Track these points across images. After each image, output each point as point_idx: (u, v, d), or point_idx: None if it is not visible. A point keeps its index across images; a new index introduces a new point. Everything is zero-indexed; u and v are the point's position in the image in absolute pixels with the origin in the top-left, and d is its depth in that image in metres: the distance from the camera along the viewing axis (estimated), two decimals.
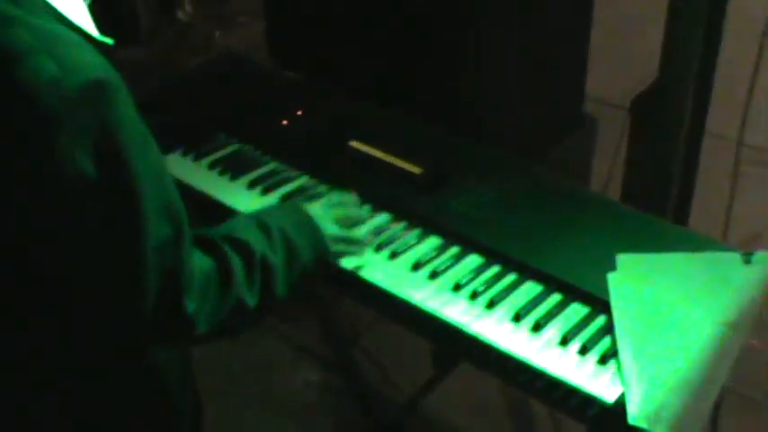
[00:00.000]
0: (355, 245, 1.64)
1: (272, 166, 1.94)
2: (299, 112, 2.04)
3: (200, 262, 1.28)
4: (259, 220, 1.47)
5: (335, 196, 1.73)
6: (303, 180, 1.90)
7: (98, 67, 1.11)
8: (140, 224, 1.15)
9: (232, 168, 1.93)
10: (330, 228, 1.59)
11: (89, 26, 1.21)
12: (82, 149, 1.08)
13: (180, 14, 6.11)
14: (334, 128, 2.00)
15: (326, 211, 1.64)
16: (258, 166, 1.95)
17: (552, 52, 3.32)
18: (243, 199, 1.86)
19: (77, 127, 1.08)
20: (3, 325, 1.22)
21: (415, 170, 1.86)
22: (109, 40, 1.22)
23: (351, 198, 1.75)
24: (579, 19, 3.54)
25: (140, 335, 1.27)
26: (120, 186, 1.13)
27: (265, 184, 1.88)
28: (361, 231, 1.71)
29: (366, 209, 1.79)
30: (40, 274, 1.18)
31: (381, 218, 1.79)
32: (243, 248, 1.36)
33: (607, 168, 3.23)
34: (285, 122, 2.02)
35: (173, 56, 5.36)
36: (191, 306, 1.23)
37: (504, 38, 2.68)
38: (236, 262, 1.33)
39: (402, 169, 1.87)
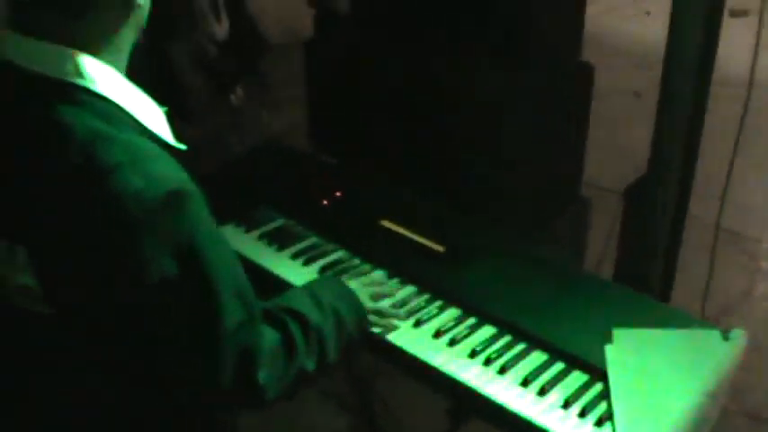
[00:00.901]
0: (386, 317, 1.64)
1: (312, 240, 1.96)
2: (338, 194, 2.05)
3: (268, 335, 1.28)
4: (311, 292, 1.49)
5: (367, 278, 1.75)
6: (340, 254, 1.90)
7: (176, 177, 1.14)
8: (218, 311, 1.17)
9: (278, 241, 1.94)
10: (367, 302, 1.61)
11: (166, 134, 1.24)
12: (164, 252, 1.11)
13: (233, 100, 6.21)
14: (368, 208, 2.01)
15: (362, 287, 1.65)
16: (301, 239, 1.96)
17: (557, 142, 3.35)
18: (287, 268, 1.86)
19: (159, 232, 1.11)
20: (95, 380, 1.22)
21: (438, 248, 1.87)
22: (182, 146, 1.24)
23: (379, 277, 1.78)
24: (578, 115, 3.58)
25: (216, 403, 1.28)
26: (199, 280, 1.15)
27: (306, 256, 1.89)
28: (387, 303, 1.71)
29: (394, 282, 1.78)
30: (128, 347, 1.19)
31: (408, 289, 1.79)
32: (301, 320, 1.38)
33: (602, 246, 3.22)
34: (325, 202, 2.04)
35: (224, 135, 5.42)
36: (262, 377, 1.24)
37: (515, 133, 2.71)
38: (297, 333, 1.35)
39: (426, 247, 1.88)
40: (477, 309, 1.73)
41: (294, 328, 1.36)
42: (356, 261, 1.88)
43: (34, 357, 1.28)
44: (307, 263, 1.88)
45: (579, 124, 3.77)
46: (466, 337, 1.66)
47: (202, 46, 5.99)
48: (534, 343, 1.64)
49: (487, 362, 1.59)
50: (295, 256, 1.90)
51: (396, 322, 1.66)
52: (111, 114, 1.17)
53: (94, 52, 1.18)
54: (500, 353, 1.62)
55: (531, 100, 3.23)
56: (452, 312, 1.74)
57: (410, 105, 2.87)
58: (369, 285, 1.68)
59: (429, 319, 1.71)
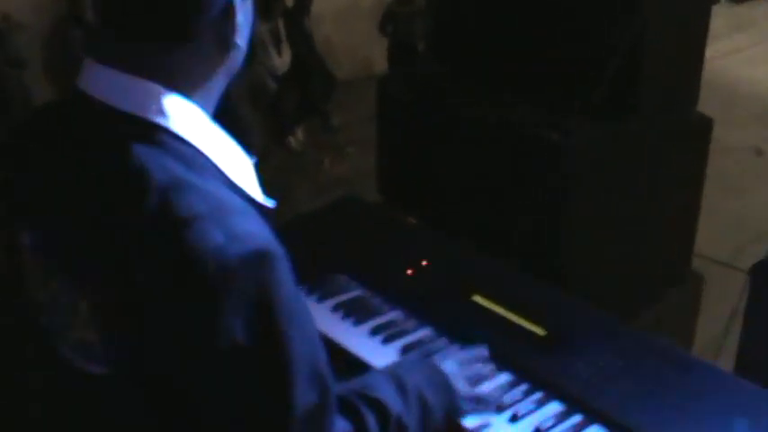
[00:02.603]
0: (484, 405, 1.61)
1: (394, 314, 1.95)
2: (424, 262, 2.05)
3: (339, 427, 1.27)
4: (396, 377, 1.46)
5: (467, 353, 1.71)
6: (425, 332, 1.89)
7: (261, 236, 1.13)
8: (289, 392, 1.15)
9: (355, 313, 1.94)
10: (462, 386, 1.59)
11: (254, 189, 1.24)
12: (238, 317, 1.10)
13: (293, 141, 6.28)
14: (458, 281, 2.00)
15: (459, 368, 1.63)
16: (380, 313, 1.95)
17: (667, 207, 3.31)
18: (364, 346, 1.86)
19: (236, 295, 1.10)
20: None
21: (539, 331, 1.84)
22: (270, 203, 1.25)
23: (482, 353, 1.74)
24: (693, 175, 3.54)
25: None
26: (273, 355, 1.14)
27: (387, 333, 1.88)
28: (486, 387, 1.69)
29: (491, 366, 1.76)
30: (183, 419, 1.19)
31: (503, 377, 1.76)
32: (379, 409, 1.36)
33: (717, 331, 3.15)
34: (410, 272, 2.03)
35: (283, 181, 5.49)
36: None
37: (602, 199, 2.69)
38: (373, 424, 1.32)
39: (525, 328, 1.85)
40: (583, 404, 1.69)
41: (371, 421, 1.34)
42: (443, 341, 1.86)
43: (84, 419, 1.28)
44: (387, 341, 1.87)
45: (693, 186, 3.74)
46: None
47: (261, 80, 6.09)
48: None
49: None
50: (374, 332, 1.89)
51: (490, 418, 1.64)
52: (193, 161, 1.18)
53: (182, 91, 1.20)
54: None
55: (639, 158, 3.22)
56: (554, 407, 1.70)
57: (497, 162, 2.88)
58: (467, 364, 1.65)
59: (527, 413, 1.68)
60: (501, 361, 1.80)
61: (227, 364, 1.12)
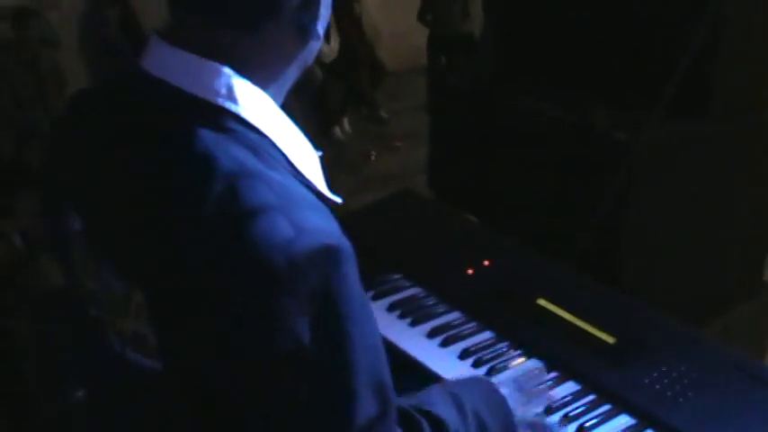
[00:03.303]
0: (542, 430, 1.59)
1: (452, 316, 1.93)
2: (486, 263, 2.03)
3: None
4: (455, 396, 1.43)
5: (522, 369, 1.67)
6: (485, 336, 1.87)
7: (331, 232, 1.10)
8: (350, 401, 1.13)
9: (412, 314, 1.93)
10: (521, 410, 1.55)
11: (321, 184, 1.23)
12: (302, 316, 1.08)
13: (338, 132, 6.29)
14: (521, 283, 1.98)
15: (518, 392, 1.59)
16: (438, 314, 1.94)
17: (740, 211, 3.26)
18: (421, 348, 1.84)
19: (302, 292, 1.07)
20: None
21: (609, 339, 1.82)
22: (338, 199, 1.23)
23: (536, 368, 1.67)
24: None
25: None
26: (335, 359, 1.11)
27: (445, 335, 1.87)
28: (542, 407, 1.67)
29: (551, 376, 1.74)
30: (234, 423, 1.18)
31: (568, 387, 1.74)
32: (439, 426, 1.33)
33: None
34: (470, 271, 2.01)
35: (328, 173, 5.48)
36: None
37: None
38: None
39: (593, 336, 1.83)
40: (654, 418, 1.66)
41: None
42: (504, 346, 1.85)
43: (131, 412, 1.28)
44: (445, 343, 1.85)
45: (765, 190, 3.68)
46: None
47: (307, 68, 6.07)
48: None
49: None
50: (432, 335, 1.88)
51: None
52: (262, 150, 1.16)
53: (254, 79, 1.19)
54: None
55: (710, 160, 3.18)
56: (623, 420, 1.68)
57: (559, 160, 2.85)
58: (525, 385, 1.62)
59: (594, 427, 1.66)
60: (566, 369, 1.77)
61: (288, 367, 1.10)
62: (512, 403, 1.52)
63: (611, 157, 2.85)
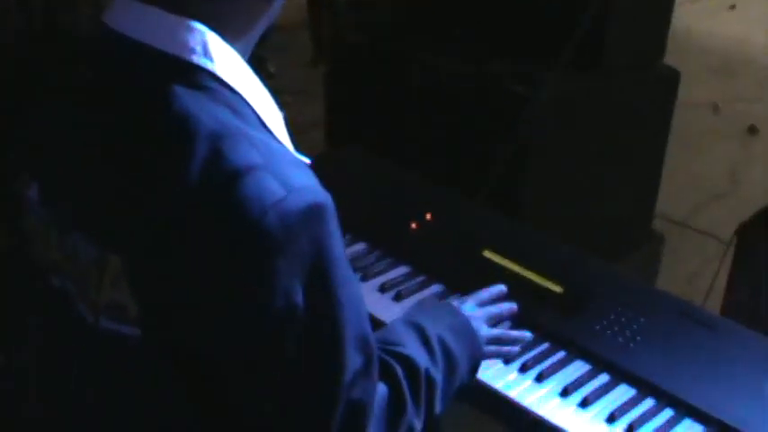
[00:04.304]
0: (509, 344, 1.56)
1: (401, 270, 1.93)
2: (428, 216, 2.03)
3: (379, 389, 1.23)
4: (418, 328, 1.40)
5: (485, 292, 1.61)
6: (436, 288, 1.88)
7: (317, 189, 1.09)
8: (338, 357, 1.12)
9: (361, 269, 1.92)
10: (484, 329, 1.50)
11: (288, 142, 1.20)
12: (295, 278, 1.06)
13: None
14: (465, 235, 1.98)
15: (479, 309, 1.54)
16: (386, 269, 1.93)
17: (631, 163, 3.36)
18: (375, 303, 1.83)
19: (295, 253, 1.05)
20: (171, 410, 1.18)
21: (556, 288, 1.84)
22: (307, 159, 1.21)
23: (500, 291, 1.63)
24: (657, 131, 3.59)
25: None
26: (325, 317, 1.10)
27: (397, 290, 1.87)
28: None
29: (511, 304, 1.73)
30: (224, 396, 1.15)
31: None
32: (409, 367, 1.30)
33: (679, 291, 3.20)
34: (414, 226, 2.01)
35: None
36: None
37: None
38: (407, 386, 1.28)
39: (541, 286, 1.85)
40: (609, 363, 1.70)
41: (404, 380, 1.29)
42: (455, 298, 1.85)
43: (106, 382, 1.23)
44: (398, 298, 1.85)
45: (658, 143, 3.79)
46: (600, 397, 1.63)
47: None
48: (682, 409, 1.62)
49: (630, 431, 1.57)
50: (383, 289, 1.87)
51: (514, 372, 1.62)
52: (238, 108, 1.12)
53: (225, 35, 1.14)
54: (643, 420, 1.59)
55: (605, 112, 3.25)
56: (579, 365, 1.71)
57: (459, 112, 2.87)
58: (488, 303, 1.58)
59: (551, 373, 1.68)
60: (518, 319, 1.79)
61: (279, 326, 1.07)
62: (475, 323, 1.49)
63: (510, 111, 2.90)
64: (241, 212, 1.03)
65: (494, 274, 1.88)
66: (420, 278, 1.91)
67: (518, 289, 1.81)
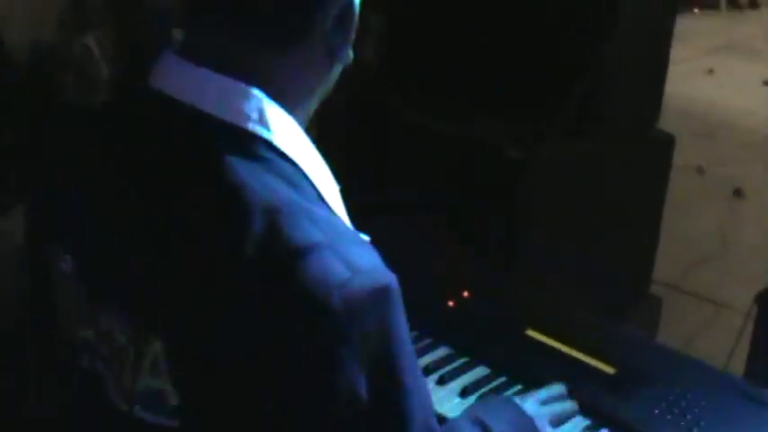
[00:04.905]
0: None
1: (442, 352, 1.82)
2: (465, 293, 1.93)
3: None
4: (481, 424, 1.35)
5: (546, 391, 1.61)
6: (481, 371, 1.77)
7: (383, 270, 1.01)
8: None
9: None
10: (549, 429, 1.51)
11: (345, 218, 1.12)
12: (359, 363, 0.98)
13: None
14: (506, 313, 1.89)
15: (542, 409, 1.53)
16: (426, 351, 1.82)
17: (624, 229, 3.32)
18: None
19: (359, 337, 0.97)
20: None
21: (608, 369, 1.75)
22: (366, 237, 1.12)
23: (560, 391, 1.63)
24: (654, 194, 3.56)
25: None
26: (391, 405, 1.03)
27: (440, 373, 1.77)
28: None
29: (572, 404, 1.66)
30: None
31: (576, 422, 1.66)
32: None
33: None
34: (451, 304, 1.91)
35: None
36: None
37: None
38: None
39: (592, 367, 1.76)
40: None
41: None
42: (503, 380, 1.75)
43: None
44: (441, 381, 1.74)
45: (655, 205, 3.76)
46: None
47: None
48: None
49: None
50: (426, 372, 1.76)
51: None
52: (296, 180, 1.04)
53: (281, 102, 1.07)
54: None
55: (601, 176, 3.21)
56: None
57: (454, 175, 2.81)
58: (549, 402, 1.56)
59: None
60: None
61: (341, 416, 0.99)
62: (539, 423, 1.47)
63: (504, 174, 2.84)
64: (303, 295, 0.95)
65: (540, 354, 1.80)
66: (462, 360, 1.80)
67: (567, 370, 1.73)
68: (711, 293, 4.91)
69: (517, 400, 1.54)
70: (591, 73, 3.17)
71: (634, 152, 3.49)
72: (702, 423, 1.64)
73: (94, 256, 1.11)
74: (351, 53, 1.13)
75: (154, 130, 1.08)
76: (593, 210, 3.37)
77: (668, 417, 1.65)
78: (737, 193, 5.60)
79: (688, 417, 1.65)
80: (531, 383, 1.72)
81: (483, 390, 1.72)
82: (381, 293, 0.99)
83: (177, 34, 1.17)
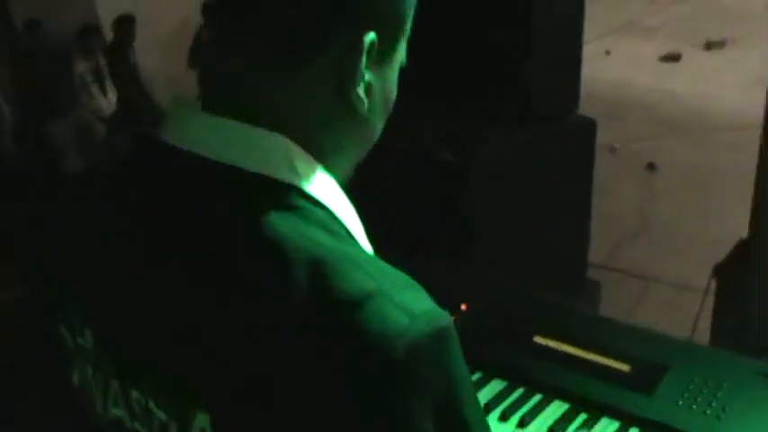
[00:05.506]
0: None
1: None
2: (464, 307, 1.89)
3: None
4: None
5: None
6: (497, 386, 1.73)
7: (438, 311, 0.95)
8: None
9: None
10: None
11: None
12: (425, 411, 0.91)
13: None
14: (509, 323, 1.85)
15: None
16: None
17: (558, 214, 3.36)
18: None
19: (426, 384, 0.91)
20: None
21: (623, 367, 1.73)
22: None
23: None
24: (582, 177, 3.61)
25: None
26: None
27: None
28: None
29: (582, 417, 1.63)
30: None
31: (603, 424, 1.63)
32: None
33: None
34: (453, 318, 1.86)
35: None
36: None
37: None
38: None
39: (606, 366, 1.74)
40: None
41: None
42: (520, 392, 1.72)
43: None
44: None
45: (584, 188, 3.81)
46: None
47: (87, 123, 5.66)
48: None
49: None
50: None
51: None
52: (331, 226, 0.98)
53: (308, 147, 1.00)
54: None
55: (532, 165, 3.24)
56: None
57: (393, 176, 2.78)
58: None
59: None
60: (594, 408, 1.67)
61: None
62: None
63: (443, 176, 2.83)
64: (364, 349, 0.88)
65: (554, 360, 1.77)
66: (476, 376, 1.76)
67: (583, 373, 1.70)
68: (640, 269, 5.01)
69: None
70: (517, 69, 3.19)
71: (562, 138, 3.53)
72: (727, 408, 1.64)
73: (121, 328, 1.03)
74: (379, 103, 1.06)
75: (179, 190, 1.00)
76: (531, 201, 3.40)
77: (693, 407, 1.64)
78: (651, 167, 5.72)
79: (713, 404, 1.65)
80: (551, 391, 1.69)
81: (521, 411, 1.67)
82: (441, 335, 0.93)
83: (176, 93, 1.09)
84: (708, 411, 1.63)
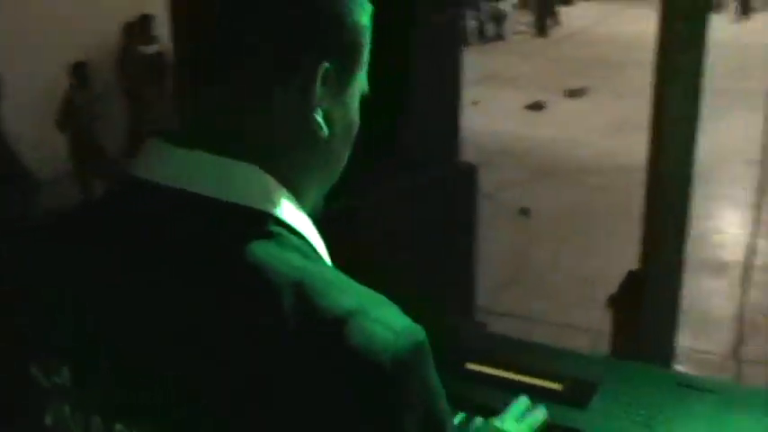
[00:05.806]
0: None
1: None
2: None
3: None
4: None
5: (514, 407, 1.65)
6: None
7: (413, 326, 0.98)
8: None
9: None
10: None
11: None
12: (414, 421, 0.95)
13: None
14: (442, 351, 1.89)
15: (521, 425, 1.59)
16: None
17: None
18: None
19: (411, 396, 0.95)
20: None
21: (555, 386, 1.80)
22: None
23: (526, 403, 1.67)
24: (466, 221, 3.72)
25: None
26: None
27: None
28: None
29: (542, 409, 1.69)
30: None
31: None
32: None
33: None
34: None
35: None
36: None
37: None
38: None
39: (540, 387, 1.80)
40: None
41: None
42: (461, 417, 1.76)
43: None
44: None
45: (469, 231, 3.91)
46: None
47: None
48: None
49: None
50: None
51: None
52: (306, 250, 1.01)
53: (275, 174, 1.04)
54: None
55: (416, 208, 3.32)
56: None
57: None
58: (523, 415, 1.60)
59: None
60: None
61: None
62: None
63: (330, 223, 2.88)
64: (354, 365, 0.92)
65: (488, 385, 1.82)
66: None
67: (517, 394, 1.76)
68: (522, 310, 5.15)
69: (497, 423, 1.57)
70: (399, 118, 3.27)
71: (445, 184, 3.62)
72: (655, 418, 1.72)
73: (100, 362, 1.02)
74: (342, 124, 1.10)
75: (154, 224, 1.01)
76: (417, 247, 3.46)
77: (625, 420, 1.72)
78: (523, 212, 5.92)
79: (642, 412, 1.73)
80: (490, 414, 1.73)
81: None
82: (420, 349, 0.96)
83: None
84: (638, 419, 1.71)
